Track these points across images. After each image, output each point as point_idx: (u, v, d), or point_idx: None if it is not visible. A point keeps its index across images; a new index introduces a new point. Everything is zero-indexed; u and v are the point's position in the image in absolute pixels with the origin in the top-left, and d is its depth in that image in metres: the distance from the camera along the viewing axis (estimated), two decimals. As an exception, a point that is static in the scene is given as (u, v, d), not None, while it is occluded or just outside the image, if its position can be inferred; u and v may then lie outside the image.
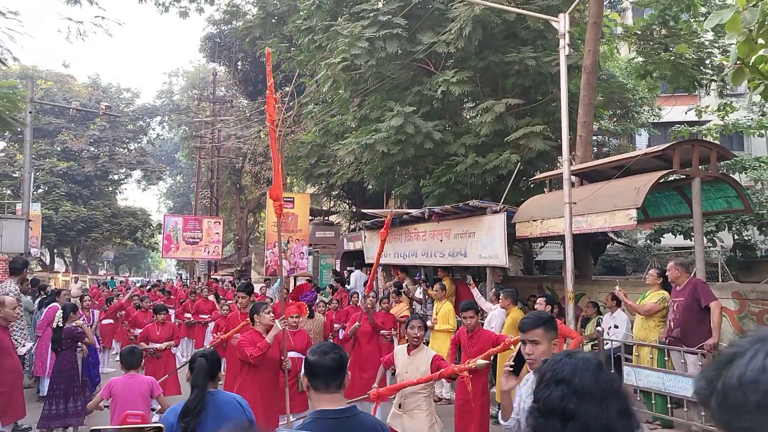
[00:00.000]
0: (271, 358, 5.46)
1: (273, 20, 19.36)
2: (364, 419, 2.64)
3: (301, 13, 15.32)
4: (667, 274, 6.85)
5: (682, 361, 6.56)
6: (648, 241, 18.41)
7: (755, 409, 0.86)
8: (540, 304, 7.26)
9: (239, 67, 28.66)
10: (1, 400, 6.04)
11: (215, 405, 3.27)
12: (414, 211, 11.47)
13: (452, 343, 6.51)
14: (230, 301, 10.53)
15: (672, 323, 6.75)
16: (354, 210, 21.14)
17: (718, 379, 0.93)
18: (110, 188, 42.25)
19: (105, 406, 4.95)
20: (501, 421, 3.22)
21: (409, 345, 5.20)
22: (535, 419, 1.55)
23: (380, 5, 12.72)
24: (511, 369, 3.07)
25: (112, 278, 39.12)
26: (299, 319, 6.62)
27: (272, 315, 5.48)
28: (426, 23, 12.59)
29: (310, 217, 19.19)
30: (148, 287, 21.52)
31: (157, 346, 8.42)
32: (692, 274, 7.19)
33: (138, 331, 9.76)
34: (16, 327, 8.23)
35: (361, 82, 13.83)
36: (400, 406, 4.99)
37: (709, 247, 17.20)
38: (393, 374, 5.73)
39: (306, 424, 2.58)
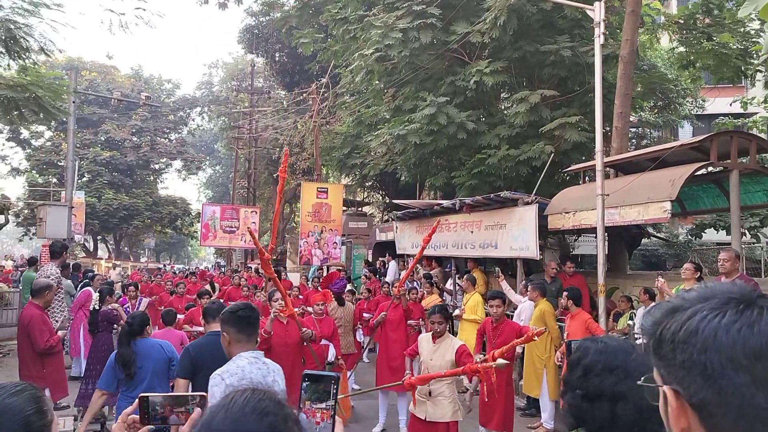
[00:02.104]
0: (288, 345, 5.55)
1: (310, 11, 19.44)
2: None
3: (338, 3, 15.35)
4: (722, 263, 6.46)
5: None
6: (689, 236, 17.98)
7: (680, 367, 0.90)
8: (564, 298, 7.19)
9: (276, 59, 28.89)
10: (50, 379, 6.30)
11: (143, 347, 4.79)
12: (445, 202, 11.43)
13: (478, 334, 6.51)
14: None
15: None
16: (387, 201, 21.18)
17: (659, 326, 0.96)
18: (151, 177, 43.21)
19: None
20: None
21: (433, 333, 5.22)
22: (576, 407, 1.56)
23: (415, -5, 12.65)
24: None
25: (164, 265, 40.10)
26: (325, 306, 6.70)
27: (278, 303, 5.60)
28: (460, 13, 12.48)
29: (344, 208, 19.31)
30: (185, 274, 22.02)
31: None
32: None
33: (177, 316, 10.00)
34: (57, 309, 8.54)
35: (394, 72, 13.81)
36: (430, 394, 5.01)
37: (752, 243, 16.70)
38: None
39: (204, 338, 4.34)
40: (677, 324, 0.92)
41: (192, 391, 3.95)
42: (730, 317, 0.88)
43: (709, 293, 0.94)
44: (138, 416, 1.59)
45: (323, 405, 1.47)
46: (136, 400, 1.60)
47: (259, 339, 5.42)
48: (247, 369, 3.01)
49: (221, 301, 5.17)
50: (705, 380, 0.87)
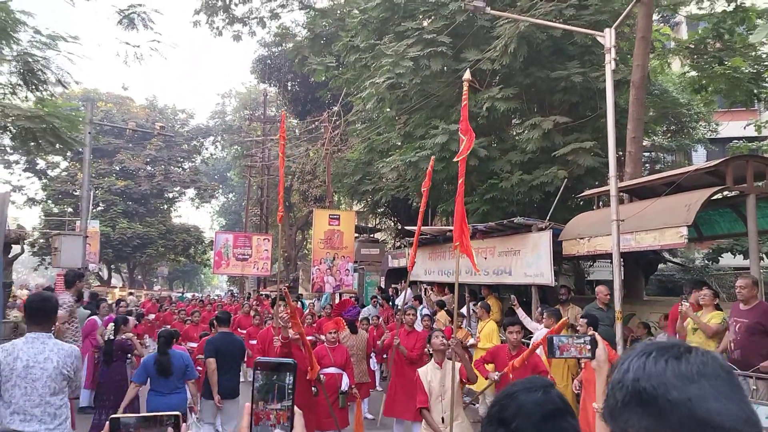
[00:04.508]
0: (301, 371, 5.51)
1: (321, 41, 19.72)
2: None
3: (349, 31, 15.56)
4: (739, 290, 6.36)
5: (753, 387, 6.07)
6: (706, 261, 17.74)
7: (622, 407, 0.90)
8: (582, 325, 7.02)
9: (289, 88, 29.27)
10: None
11: (172, 356, 6.15)
12: (458, 229, 11.38)
13: (482, 360, 6.40)
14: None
15: (733, 344, 6.34)
16: (399, 227, 21.16)
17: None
18: (165, 206, 43.57)
19: None
20: None
21: (436, 358, 5.23)
22: None
23: (425, 24, 12.79)
24: None
25: (181, 293, 40.04)
26: (337, 334, 6.64)
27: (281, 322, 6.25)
28: (470, 41, 12.58)
29: (356, 235, 19.29)
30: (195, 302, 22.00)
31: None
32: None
33: (191, 344, 9.91)
34: (71, 339, 8.53)
35: (406, 100, 13.90)
36: (442, 420, 4.93)
37: (771, 267, 16.43)
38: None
39: (218, 334, 6.83)
40: (616, 374, 0.96)
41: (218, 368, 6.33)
42: None
43: (649, 347, 0.95)
44: None
45: (278, 405, 1.25)
46: (107, 423, 1.54)
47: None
48: (19, 346, 3.60)
49: (229, 313, 7.39)
50: None
